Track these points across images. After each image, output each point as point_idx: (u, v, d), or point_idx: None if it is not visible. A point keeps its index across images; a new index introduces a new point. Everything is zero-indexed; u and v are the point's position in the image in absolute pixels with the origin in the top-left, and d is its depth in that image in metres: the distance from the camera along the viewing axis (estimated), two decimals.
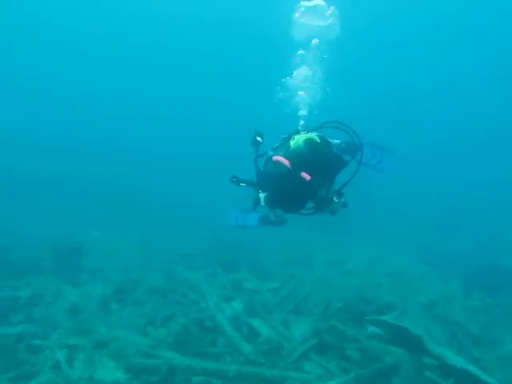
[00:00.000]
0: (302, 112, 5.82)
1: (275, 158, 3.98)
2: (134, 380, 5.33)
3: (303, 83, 6.30)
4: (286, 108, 5.97)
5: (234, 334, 6.83)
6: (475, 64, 31.07)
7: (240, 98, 35.63)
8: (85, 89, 38.23)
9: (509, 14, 25.44)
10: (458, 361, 5.18)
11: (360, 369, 5.70)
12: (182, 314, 7.35)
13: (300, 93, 6.17)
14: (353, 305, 7.43)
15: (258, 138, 4.47)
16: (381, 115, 35.81)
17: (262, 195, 4.31)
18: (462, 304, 8.35)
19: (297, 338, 6.79)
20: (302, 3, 6.80)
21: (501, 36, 27.59)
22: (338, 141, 4.55)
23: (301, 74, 6.42)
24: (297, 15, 6.90)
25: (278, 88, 6.32)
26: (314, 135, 4.15)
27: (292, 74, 6.40)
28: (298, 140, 4.06)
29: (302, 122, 5.31)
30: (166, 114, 40.05)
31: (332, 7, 6.85)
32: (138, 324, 6.90)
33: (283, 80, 6.39)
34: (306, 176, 3.74)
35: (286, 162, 3.87)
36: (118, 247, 10.93)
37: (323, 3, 6.81)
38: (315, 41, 6.62)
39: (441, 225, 18.81)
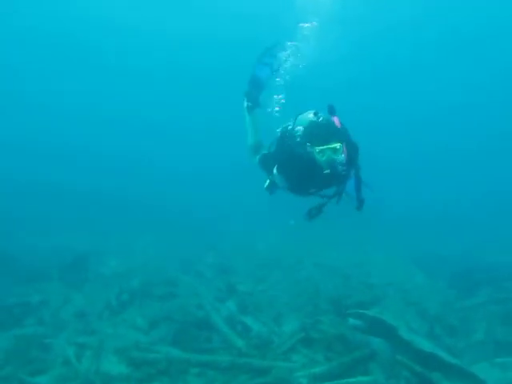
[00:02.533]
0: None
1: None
2: (135, 372, 5.89)
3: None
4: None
5: (229, 331, 7.39)
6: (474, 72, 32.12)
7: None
8: (84, 100, 39.28)
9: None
10: (426, 345, 5.76)
11: (342, 357, 6.27)
12: (181, 314, 7.93)
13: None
14: (339, 302, 8.02)
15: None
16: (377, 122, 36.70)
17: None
18: (444, 299, 8.91)
19: (286, 333, 7.35)
20: None
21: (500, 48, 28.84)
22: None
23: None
24: None
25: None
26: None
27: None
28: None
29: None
30: (163, 123, 40.96)
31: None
32: (140, 324, 7.49)
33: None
34: (336, 121, 4.16)
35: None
36: (121, 255, 11.54)
37: None
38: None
39: (435, 227, 19.32)
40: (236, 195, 22.76)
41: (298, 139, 4.24)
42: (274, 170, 4.69)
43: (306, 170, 4.23)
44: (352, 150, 4.31)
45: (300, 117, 4.45)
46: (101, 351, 6.50)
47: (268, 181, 4.87)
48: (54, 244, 11.11)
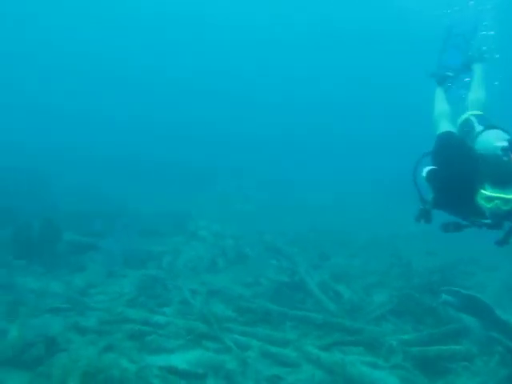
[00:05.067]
0: None
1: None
2: (241, 317, 6.72)
3: None
4: None
5: (321, 296, 7.93)
6: None
7: None
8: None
9: None
10: None
11: (433, 329, 6.48)
12: (278, 275, 8.68)
13: None
14: (432, 280, 8.15)
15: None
16: None
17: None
18: None
19: (376, 303, 7.71)
20: None
21: None
22: None
23: None
24: None
25: None
26: None
27: None
28: None
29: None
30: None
31: None
32: (242, 280, 8.39)
33: None
34: None
35: None
36: (217, 219, 12.64)
37: None
38: None
39: None
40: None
41: (470, 165, 3.32)
42: (423, 172, 3.77)
43: (462, 206, 3.43)
44: None
45: (487, 136, 3.46)
46: (209, 298, 7.48)
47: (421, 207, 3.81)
48: (166, 208, 12.64)
